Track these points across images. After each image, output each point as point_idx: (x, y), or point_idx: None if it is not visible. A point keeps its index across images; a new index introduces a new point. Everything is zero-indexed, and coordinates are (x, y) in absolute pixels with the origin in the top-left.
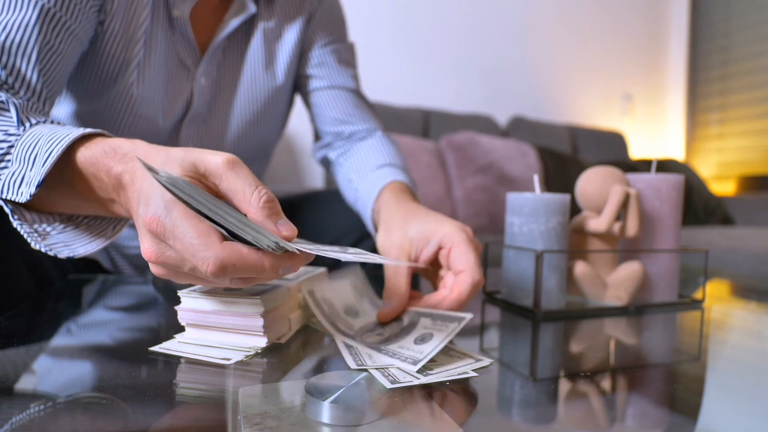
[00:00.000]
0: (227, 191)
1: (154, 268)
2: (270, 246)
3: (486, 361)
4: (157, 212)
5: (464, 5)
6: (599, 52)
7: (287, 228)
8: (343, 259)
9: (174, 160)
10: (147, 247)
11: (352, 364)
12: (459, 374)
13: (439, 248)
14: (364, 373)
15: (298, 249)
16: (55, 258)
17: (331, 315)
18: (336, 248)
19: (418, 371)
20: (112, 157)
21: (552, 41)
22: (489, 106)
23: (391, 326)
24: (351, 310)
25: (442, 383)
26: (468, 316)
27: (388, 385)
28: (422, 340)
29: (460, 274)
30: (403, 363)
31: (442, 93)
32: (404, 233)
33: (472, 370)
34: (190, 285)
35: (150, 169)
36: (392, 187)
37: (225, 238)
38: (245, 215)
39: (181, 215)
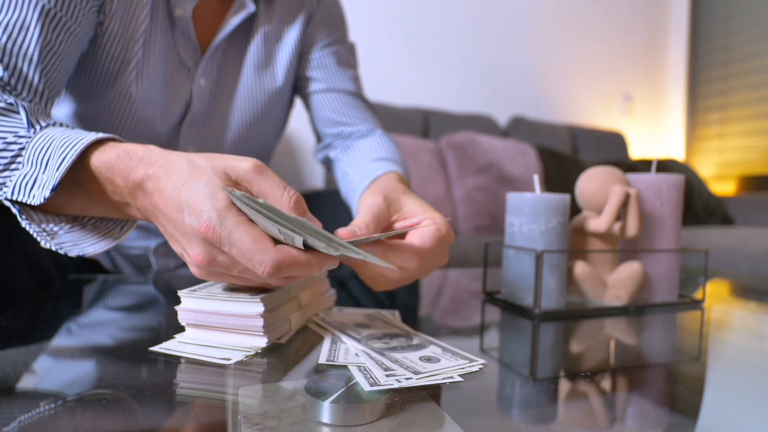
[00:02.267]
0: (258, 194)
1: (197, 270)
2: (336, 253)
3: (476, 365)
4: (211, 221)
5: (465, 5)
6: (599, 52)
7: (312, 222)
8: (374, 262)
9: (202, 168)
10: (198, 253)
11: (322, 359)
12: (444, 379)
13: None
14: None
15: (356, 253)
16: (55, 258)
17: (341, 327)
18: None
19: (400, 376)
20: (128, 162)
21: (552, 41)
22: (489, 106)
23: (399, 339)
24: (361, 324)
25: (440, 382)
26: (481, 361)
27: (367, 387)
28: (428, 360)
29: (423, 224)
30: (405, 371)
31: (442, 93)
32: (397, 198)
33: (459, 375)
34: (195, 283)
35: (228, 190)
36: (391, 175)
37: (276, 242)
38: (312, 224)
39: (235, 223)
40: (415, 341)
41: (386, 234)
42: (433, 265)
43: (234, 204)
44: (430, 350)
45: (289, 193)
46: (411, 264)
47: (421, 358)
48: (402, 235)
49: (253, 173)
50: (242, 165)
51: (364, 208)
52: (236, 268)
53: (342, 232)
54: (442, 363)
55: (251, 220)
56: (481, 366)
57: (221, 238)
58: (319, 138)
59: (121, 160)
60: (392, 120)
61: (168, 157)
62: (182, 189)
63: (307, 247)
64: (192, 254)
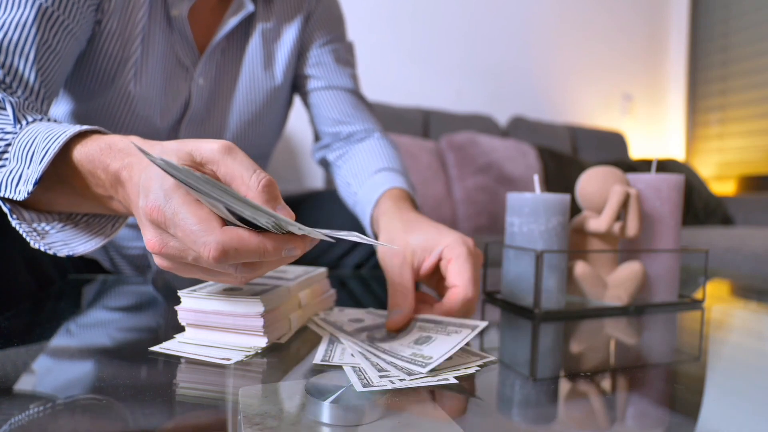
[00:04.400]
0: (225, 176)
1: (158, 260)
2: (268, 224)
3: (473, 368)
4: (157, 201)
5: (465, 5)
6: (599, 52)
7: (284, 213)
8: (340, 236)
9: (170, 151)
10: (150, 238)
11: (317, 359)
12: (438, 381)
13: (440, 259)
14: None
15: (298, 227)
16: (55, 258)
17: (336, 324)
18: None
19: (393, 377)
20: (108, 154)
21: (552, 41)
22: (489, 106)
23: (411, 335)
24: (356, 320)
25: (434, 384)
26: (492, 357)
27: (359, 388)
28: (422, 342)
29: (453, 289)
30: (410, 365)
31: (442, 93)
32: (407, 243)
33: (454, 377)
34: (195, 282)
35: (147, 154)
36: (391, 195)
37: (225, 224)
38: (243, 196)
39: (180, 202)
40: (415, 328)
41: (334, 232)
42: (479, 273)
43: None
44: (418, 330)
45: (258, 177)
46: (470, 294)
47: (416, 342)
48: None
49: (220, 153)
50: (209, 146)
51: (392, 273)
52: (189, 254)
53: (392, 324)
54: (440, 343)
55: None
56: (492, 360)
57: (166, 219)
58: (317, 136)
59: (102, 153)
60: (392, 120)
61: (144, 146)
62: (143, 172)
63: (261, 229)
64: (146, 241)
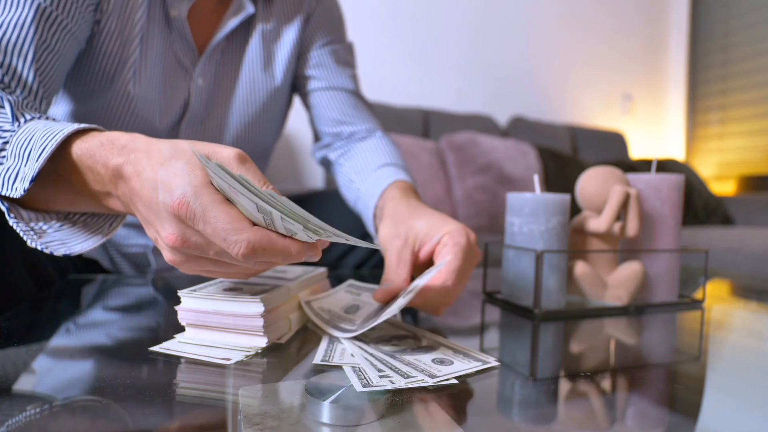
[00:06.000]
0: None
1: (170, 255)
2: (314, 238)
3: (490, 365)
4: (185, 197)
5: (465, 5)
6: (599, 52)
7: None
8: (357, 245)
9: (184, 150)
10: (171, 233)
11: (317, 359)
12: (438, 381)
13: (438, 244)
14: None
15: (327, 234)
16: (54, 258)
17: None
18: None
19: (393, 377)
20: (110, 149)
21: (552, 41)
22: (489, 106)
23: (408, 341)
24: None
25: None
26: (492, 360)
27: (359, 388)
28: (441, 362)
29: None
30: (420, 373)
31: (442, 93)
32: (411, 226)
33: (455, 377)
34: (195, 282)
35: (201, 158)
36: (398, 185)
37: (254, 224)
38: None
39: (211, 201)
40: (424, 342)
41: (362, 242)
42: (470, 270)
43: (212, 183)
44: (441, 352)
45: (267, 188)
46: (449, 284)
47: (434, 361)
48: (431, 261)
49: (235, 162)
50: (225, 152)
51: (390, 253)
52: (212, 249)
53: (379, 295)
54: (456, 365)
55: (228, 200)
56: (495, 366)
57: (195, 215)
58: (317, 137)
59: (104, 148)
60: (392, 120)
61: (151, 142)
62: (160, 168)
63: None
64: (165, 235)
